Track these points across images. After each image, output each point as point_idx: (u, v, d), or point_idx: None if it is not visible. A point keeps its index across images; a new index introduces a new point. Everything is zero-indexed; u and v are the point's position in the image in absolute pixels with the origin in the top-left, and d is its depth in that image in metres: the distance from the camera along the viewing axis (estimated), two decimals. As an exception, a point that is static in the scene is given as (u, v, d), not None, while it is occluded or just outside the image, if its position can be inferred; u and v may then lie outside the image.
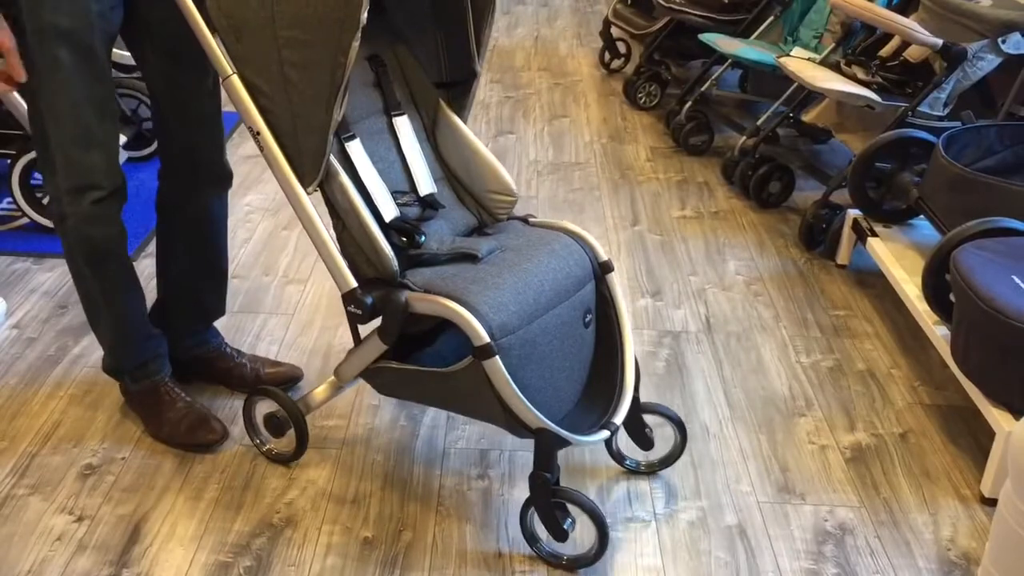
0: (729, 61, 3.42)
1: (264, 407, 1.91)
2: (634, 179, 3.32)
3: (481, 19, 1.78)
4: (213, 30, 1.63)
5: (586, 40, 4.86)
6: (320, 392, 1.88)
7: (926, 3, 2.33)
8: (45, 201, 2.72)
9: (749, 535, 1.80)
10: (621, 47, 4.40)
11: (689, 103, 3.54)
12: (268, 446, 1.95)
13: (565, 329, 1.69)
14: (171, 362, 2.03)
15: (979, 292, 1.85)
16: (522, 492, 1.87)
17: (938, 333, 2.14)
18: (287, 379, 2.16)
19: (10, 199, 2.88)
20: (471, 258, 1.71)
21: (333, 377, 1.84)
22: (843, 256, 2.78)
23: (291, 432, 1.89)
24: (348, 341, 2.31)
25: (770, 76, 3.23)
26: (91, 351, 2.26)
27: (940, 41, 2.57)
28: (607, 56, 4.41)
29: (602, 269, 1.79)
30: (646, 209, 3.10)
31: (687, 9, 3.71)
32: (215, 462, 1.93)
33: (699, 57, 3.92)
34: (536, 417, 1.58)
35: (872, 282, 2.69)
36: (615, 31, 4.32)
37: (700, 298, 2.60)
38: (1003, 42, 2.62)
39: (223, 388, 2.13)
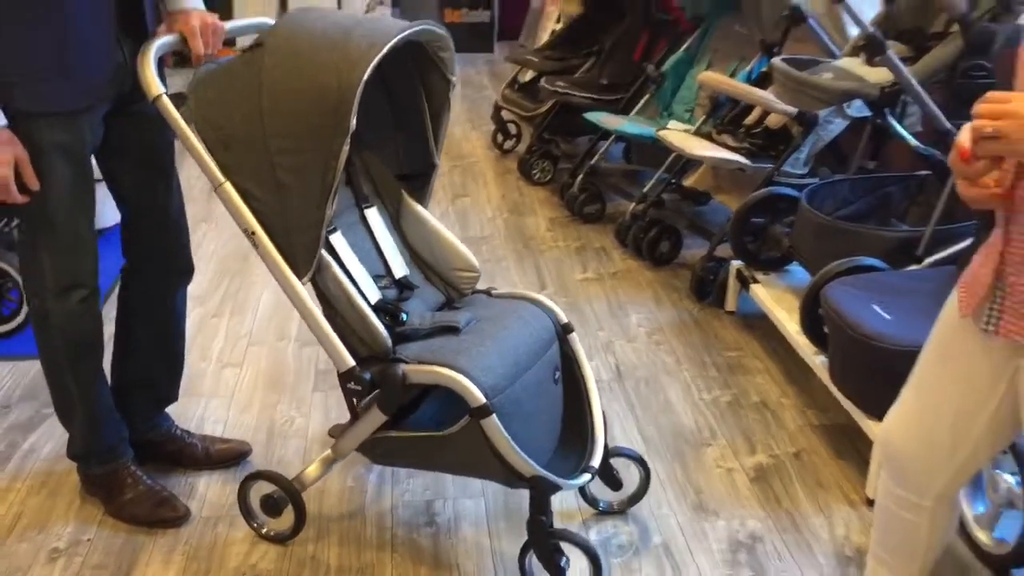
0: (613, 136, 3.76)
1: (259, 490, 2.03)
2: (537, 248, 3.59)
3: (438, 117, 2.02)
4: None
5: (478, 124, 5.17)
6: (314, 469, 2.01)
7: (779, 78, 2.69)
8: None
9: (673, 552, 2.03)
10: (512, 128, 4.72)
11: (580, 176, 3.86)
12: (266, 528, 2.05)
13: (540, 386, 1.90)
14: None
15: (847, 321, 2.16)
16: (468, 535, 2.06)
17: (817, 361, 2.44)
18: (236, 455, 2.30)
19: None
20: (453, 330, 1.90)
21: (328, 452, 1.98)
22: (731, 303, 3.09)
23: (288, 510, 2.00)
24: (286, 419, 2.49)
25: (651, 147, 3.57)
26: (41, 444, 2.35)
27: (795, 110, 2.94)
28: (500, 137, 4.72)
29: (564, 330, 2.02)
30: (551, 275, 3.36)
31: (571, 91, 4.06)
32: (177, 535, 2.06)
33: (585, 134, 4.26)
34: (531, 467, 1.76)
35: (758, 324, 2.99)
36: (505, 114, 4.64)
37: (608, 350, 2.86)
38: (848, 107, 3.00)
39: (176, 467, 2.26)
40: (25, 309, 2.80)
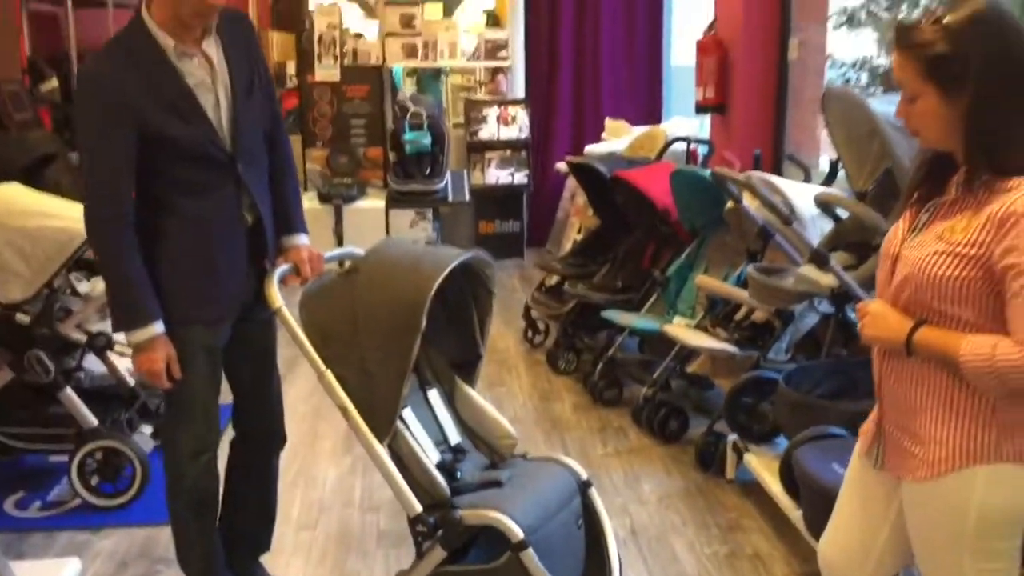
0: (627, 331, 4.37)
1: None
2: (563, 429, 4.13)
3: (483, 319, 2.63)
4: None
5: (509, 321, 5.80)
6: None
7: (752, 283, 3.31)
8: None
9: (677, 672, 2.46)
10: (540, 325, 5.36)
11: (600, 365, 4.44)
12: None
13: (565, 530, 2.41)
14: None
15: (810, 476, 2.66)
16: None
17: (796, 515, 2.92)
18: None
19: (63, 484, 3.50)
20: (497, 484, 2.45)
21: None
22: (730, 472, 3.58)
23: None
24: (355, 572, 2.97)
25: (659, 339, 4.16)
26: (155, 594, 2.86)
27: (771, 308, 3.54)
28: (530, 333, 5.35)
29: (584, 486, 2.54)
30: (575, 451, 3.89)
31: (589, 293, 4.71)
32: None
33: (604, 329, 4.86)
34: None
35: (753, 490, 3.46)
36: (534, 313, 5.29)
37: (625, 513, 3.34)
38: (819, 303, 3.60)
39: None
40: (137, 483, 3.36)
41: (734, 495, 3.47)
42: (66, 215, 3.33)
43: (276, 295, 2.43)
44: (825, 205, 3.27)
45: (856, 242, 3.29)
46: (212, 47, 2.38)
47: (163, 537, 3.18)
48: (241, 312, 2.52)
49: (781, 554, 3.05)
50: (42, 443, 3.52)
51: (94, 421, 3.39)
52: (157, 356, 2.32)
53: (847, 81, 5.80)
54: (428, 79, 8.15)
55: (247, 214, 2.46)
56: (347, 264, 2.53)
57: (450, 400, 2.69)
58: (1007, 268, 1.60)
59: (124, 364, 3.73)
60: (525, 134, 7.40)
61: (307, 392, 4.37)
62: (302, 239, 2.59)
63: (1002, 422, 1.68)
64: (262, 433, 2.69)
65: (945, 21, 1.65)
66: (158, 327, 2.32)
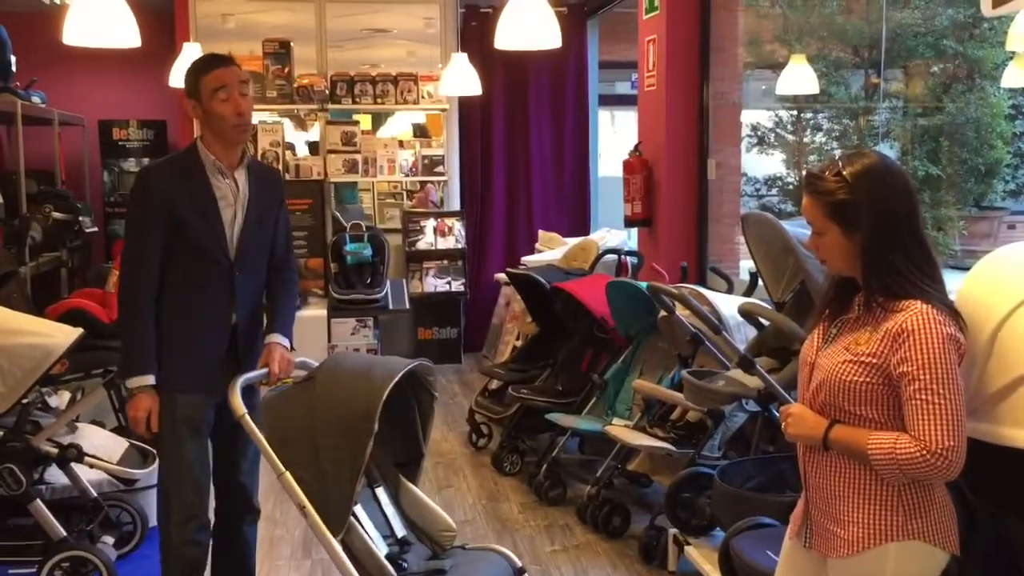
0: (569, 432, 4.64)
1: None
2: (512, 528, 4.34)
3: (426, 418, 2.91)
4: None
5: (453, 426, 6.02)
6: None
7: (687, 387, 3.63)
8: None
9: None
10: (484, 429, 5.59)
11: (544, 466, 4.68)
12: None
13: None
14: None
15: (747, 563, 2.93)
16: None
17: (736, 600, 3.17)
18: None
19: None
20: (440, 572, 2.67)
21: None
22: (672, 564, 3.83)
23: None
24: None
25: (600, 440, 4.44)
26: None
27: (704, 408, 3.86)
28: (474, 437, 5.58)
29: (519, 572, 2.78)
30: (525, 548, 4.09)
31: (532, 396, 4.98)
32: None
33: (546, 431, 5.12)
34: None
35: (694, 579, 3.72)
36: (478, 417, 5.53)
37: (576, 605, 3.56)
38: (746, 403, 3.94)
39: None
40: (105, 591, 3.46)
41: (676, 585, 3.72)
42: (40, 331, 3.50)
43: (239, 403, 2.75)
44: (748, 314, 3.63)
45: (776, 347, 3.66)
46: (242, 176, 2.94)
47: (132, 644, 3.29)
48: (220, 399, 2.87)
49: (723, 638, 3.29)
50: (7, 555, 3.59)
51: (62, 532, 3.49)
52: (142, 405, 2.80)
53: (760, 197, 6.33)
54: (343, 190, 8.44)
55: (233, 313, 2.92)
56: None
57: (395, 496, 2.93)
58: (902, 375, 1.94)
59: (87, 476, 3.85)
60: (462, 244, 7.75)
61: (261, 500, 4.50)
62: (279, 339, 2.98)
63: (907, 504, 2.00)
64: (234, 505, 3.02)
65: (844, 173, 2.02)
66: (150, 379, 2.80)
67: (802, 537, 2.17)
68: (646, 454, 4.26)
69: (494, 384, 5.57)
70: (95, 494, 3.84)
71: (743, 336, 3.83)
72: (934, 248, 2.09)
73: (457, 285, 7.76)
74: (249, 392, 2.89)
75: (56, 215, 6.67)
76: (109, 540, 3.82)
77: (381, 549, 2.68)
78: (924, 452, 1.89)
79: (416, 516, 2.91)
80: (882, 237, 2.00)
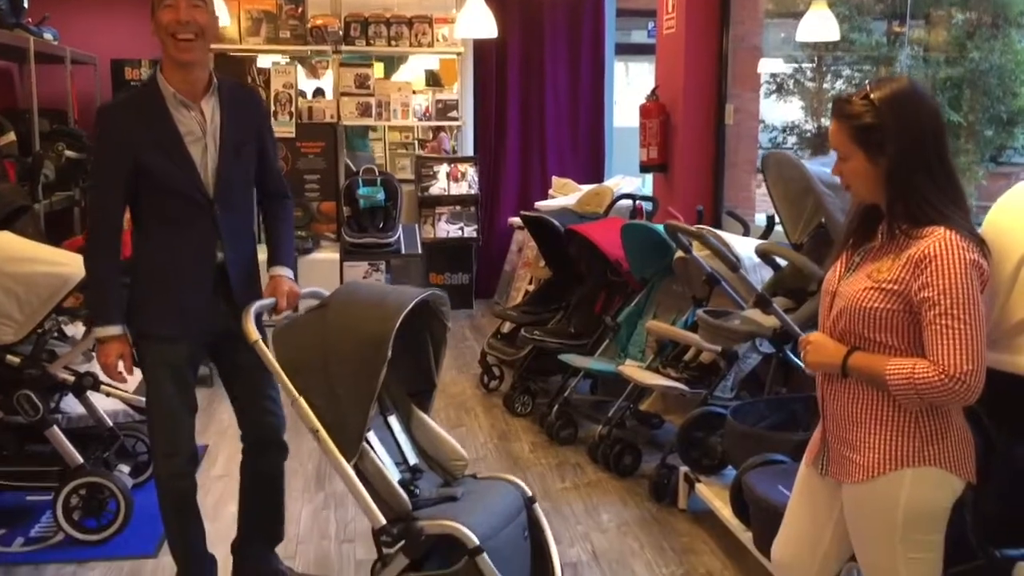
0: (581, 373, 4.65)
1: None
2: (523, 466, 4.37)
3: (439, 347, 2.90)
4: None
5: (464, 369, 6.04)
6: None
7: (701, 324, 3.62)
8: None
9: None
10: (496, 371, 5.60)
11: (556, 407, 4.70)
12: None
13: (514, 540, 2.66)
14: None
15: (759, 497, 2.95)
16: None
17: (746, 536, 3.20)
18: None
19: (43, 521, 3.62)
20: (452, 499, 2.69)
21: None
22: (682, 502, 3.86)
23: None
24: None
25: (613, 381, 4.45)
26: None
27: (719, 348, 3.85)
28: (486, 379, 5.60)
29: (530, 501, 2.79)
30: (536, 485, 4.12)
31: (545, 338, 4.98)
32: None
33: (557, 374, 5.13)
34: None
35: (705, 517, 3.74)
36: (490, 359, 5.55)
37: (586, 539, 3.59)
38: (760, 344, 3.93)
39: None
40: (121, 518, 3.50)
41: (687, 522, 3.75)
42: (56, 260, 3.52)
43: (252, 330, 2.72)
44: (765, 254, 3.61)
45: (793, 289, 3.64)
46: (209, 105, 2.74)
47: (147, 568, 3.34)
48: (224, 337, 2.84)
49: (732, 573, 3.32)
50: (25, 481, 3.63)
51: (79, 458, 3.53)
52: (111, 351, 2.74)
53: (777, 144, 6.26)
54: (354, 136, 8.40)
55: (219, 252, 2.79)
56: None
57: (407, 425, 2.94)
58: (923, 300, 1.92)
59: (104, 404, 3.88)
60: (475, 190, 7.71)
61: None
62: (283, 270, 2.92)
63: (924, 431, 1.99)
64: (261, 441, 2.98)
65: (872, 97, 1.99)
66: (116, 329, 2.73)
67: (818, 465, 2.18)
68: (658, 395, 4.27)
69: (506, 327, 5.57)
70: (111, 424, 3.88)
71: (759, 278, 3.81)
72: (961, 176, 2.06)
73: (470, 231, 7.74)
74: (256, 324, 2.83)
75: (69, 154, 6.65)
76: (125, 469, 3.86)
77: (394, 475, 2.69)
78: (943, 376, 1.88)
79: (428, 445, 2.92)
80: (908, 162, 1.97)
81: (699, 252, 3.96)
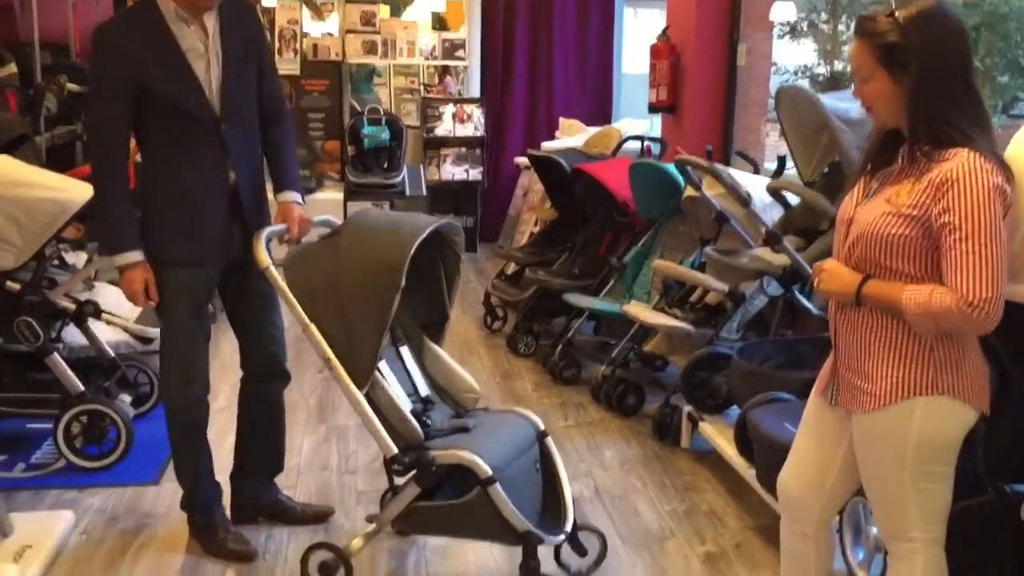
0: (586, 313, 4.61)
1: (317, 558, 2.68)
2: (526, 405, 4.34)
3: (452, 278, 2.86)
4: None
5: (467, 310, 6.01)
6: (359, 540, 2.69)
7: (710, 261, 3.58)
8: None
9: (644, 607, 2.70)
10: (499, 312, 5.57)
11: (559, 347, 4.67)
12: None
13: (526, 472, 2.64)
14: (243, 508, 2.96)
15: (764, 433, 2.92)
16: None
17: (749, 474, 3.18)
18: (323, 514, 3.12)
19: (44, 448, 3.61)
20: (464, 430, 2.67)
21: (372, 526, 2.67)
22: (685, 441, 3.84)
23: (340, 572, 2.65)
24: (337, 525, 3.15)
25: (617, 321, 4.41)
26: (148, 544, 3.00)
27: (726, 287, 3.81)
28: (489, 319, 5.56)
29: (541, 435, 2.77)
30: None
31: (549, 279, 4.94)
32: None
33: (561, 314, 5.09)
34: (524, 523, 2.49)
35: (707, 456, 3.73)
36: (494, 300, 5.51)
37: (589, 476, 3.58)
38: (768, 286, 3.88)
39: (278, 524, 3.06)
40: (122, 446, 3.49)
41: (689, 461, 3.73)
42: (57, 186, 3.46)
43: (264, 255, 2.65)
44: (776, 192, 3.56)
45: (804, 228, 3.59)
46: (211, 20, 2.66)
47: (149, 494, 3.33)
48: (232, 263, 2.79)
49: (734, 510, 3.31)
50: (25, 408, 3.62)
51: (80, 386, 3.51)
52: (136, 278, 2.66)
53: (789, 87, 6.14)
54: (359, 80, 8.28)
55: (232, 172, 2.72)
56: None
57: (419, 357, 2.90)
58: (943, 226, 1.87)
59: (105, 335, 3.86)
60: (480, 132, 7.62)
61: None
62: (292, 196, 2.85)
63: (938, 360, 1.95)
64: (263, 370, 2.94)
65: (897, 15, 1.92)
66: (137, 254, 2.65)
67: (828, 394, 2.14)
68: (663, 336, 4.23)
69: (511, 268, 5.53)
70: (112, 354, 3.85)
71: (770, 218, 3.75)
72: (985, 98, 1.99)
73: (475, 173, 7.66)
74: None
75: (71, 87, 6.55)
76: (127, 398, 3.84)
77: (405, 406, 2.67)
78: (961, 303, 1.83)
79: (439, 376, 2.89)
80: (931, 83, 1.90)
81: (709, 191, 3.89)
